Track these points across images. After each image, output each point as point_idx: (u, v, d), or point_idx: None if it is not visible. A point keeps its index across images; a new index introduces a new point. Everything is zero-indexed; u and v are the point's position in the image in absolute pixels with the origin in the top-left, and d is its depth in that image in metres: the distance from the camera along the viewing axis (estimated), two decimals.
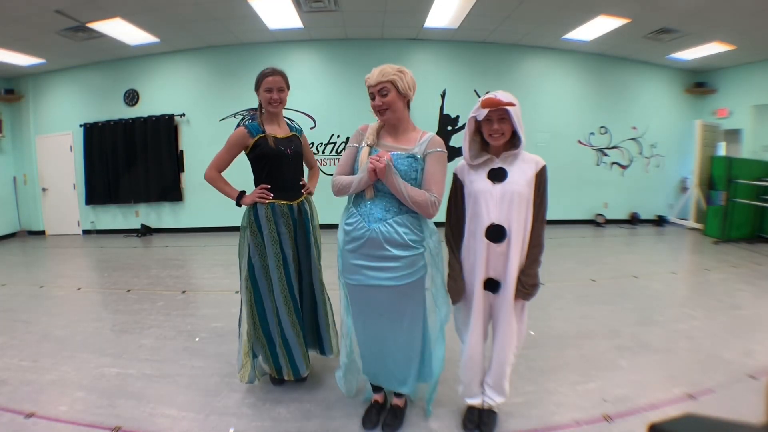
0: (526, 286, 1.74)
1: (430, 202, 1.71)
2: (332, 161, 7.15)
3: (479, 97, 2.13)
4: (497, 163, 1.74)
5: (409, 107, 1.82)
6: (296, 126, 2.41)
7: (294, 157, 2.24)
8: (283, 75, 2.17)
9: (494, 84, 7.22)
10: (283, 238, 2.17)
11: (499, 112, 1.64)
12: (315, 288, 2.35)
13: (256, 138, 2.17)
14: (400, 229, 1.74)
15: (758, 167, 6.36)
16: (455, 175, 1.87)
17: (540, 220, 1.74)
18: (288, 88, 2.21)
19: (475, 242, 1.78)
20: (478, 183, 1.75)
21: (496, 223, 1.71)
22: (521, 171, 1.70)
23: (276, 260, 2.14)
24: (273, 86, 2.14)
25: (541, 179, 1.71)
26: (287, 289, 2.16)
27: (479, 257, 1.76)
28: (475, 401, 1.98)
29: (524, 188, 1.68)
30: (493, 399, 1.95)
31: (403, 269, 1.76)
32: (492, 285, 1.79)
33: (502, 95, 1.63)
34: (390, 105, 1.74)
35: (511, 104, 1.61)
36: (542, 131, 7.42)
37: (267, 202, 2.16)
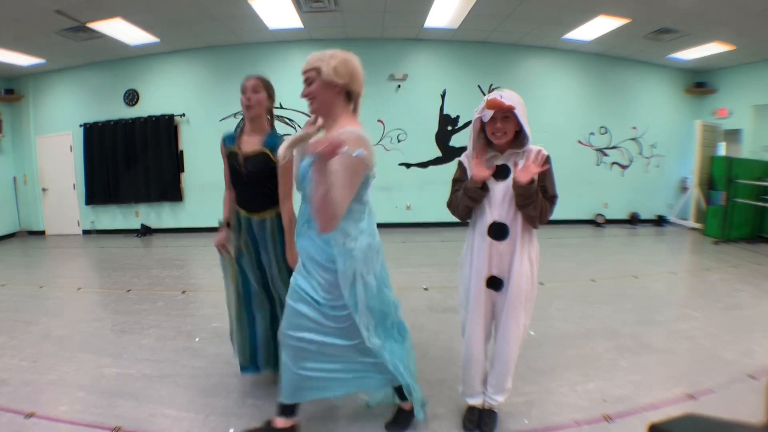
0: (518, 187, 1.64)
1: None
2: None
3: (484, 94, 2.14)
4: (501, 160, 1.74)
5: (350, 98, 1.64)
6: (278, 141, 1.95)
7: (251, 177, 2.03)
8: (260, 78, 2.05)
9: (494, 84, 7.24)
10: (244, 249, 2.17)
11: (502, 112, 1.64)
12: (273, 303, 2.24)
13: (230, 148, 2.10)
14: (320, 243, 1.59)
15: (758, 167, 6.36)
16: (460, 163, 1.86)
17: (548, 199, 1.71)
18: (267, 90, 2.05)
19: (477, 239, 1.77)
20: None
21: (499, 221, 1.71)
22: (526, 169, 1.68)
23: (232, 264, 2.20)
24: (247, 87, 2.00)
25: (548, 167, 1.70)
26: (240, 290, 2.20)
27: (482, 255, 1.76)
28: (476, 401, 1.98)
29: None
30: (494, 399, 1.94)
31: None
32: (495, 283, 1.78)
33: (507, 95, 1.63)
34: (314, 95, 1.55)
35: (512, 107, 1.62)
36: (542, 131, 7.40)
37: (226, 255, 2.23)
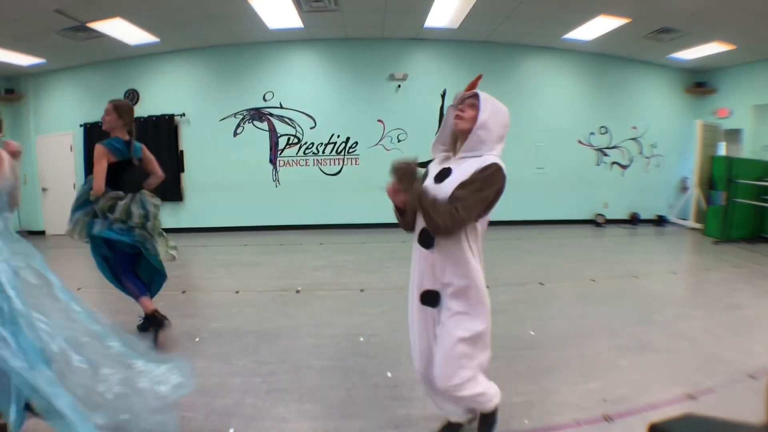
0: (397, 171, 1.52)
1: None
2: (332, 161, 7.14)
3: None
4: (447, 163, 1.59)
5: None
6: (112, 144, 2.73)
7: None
8: (111, 103, 2.75)
9: (494, 84, 7.23)
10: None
11: (471, 99, 1.55)
12: None
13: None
14: None
15: (758, 167, 6.36)
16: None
17: (463, 203, 1.43)
18: (116, 112, 2.73)
19: (413, 248, 1.66)
20: (426, 180, 1.61)
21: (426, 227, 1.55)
22: (465, 171, 1.49)
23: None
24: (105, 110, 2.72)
25: (482, 170, 1.46)
26: None
27: (414, 264, 1.65)
28: (453, 418, 1.87)
29: (457, 191, 1.47)
30: (463, 416, 1.83)
31: None
32: (430, 298, 1.61)
33: (485, 94, 1.56)
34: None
35: (476, 93, 1.54)
36: (542, 131, 7.43)
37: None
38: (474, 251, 1.55)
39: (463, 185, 1.47)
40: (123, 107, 2.77)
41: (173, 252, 3.17)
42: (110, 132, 2.75)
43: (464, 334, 1.54)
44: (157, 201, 2.94)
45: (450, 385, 1.57)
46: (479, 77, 1.58)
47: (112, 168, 2.66)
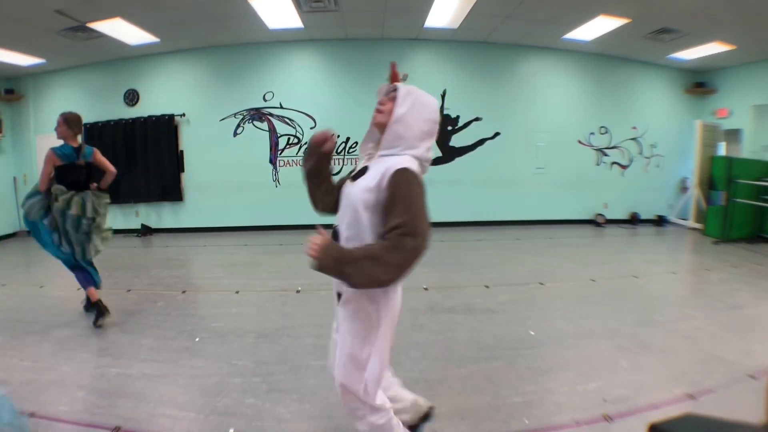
0: (315, 251, 1.24)
1: None
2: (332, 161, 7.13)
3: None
4: (369, 162, 1.47)
5: None
6: (61, 150, 3.23)
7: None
8: (61, 115, 3.23)
9: (494, 84, 7.25)
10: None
11: (394, 92, 1.45)
12: None
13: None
14: None
15: (758, 167, 6.36)
16: None
17: (388, 235, 1.22)
18: (66, 123, 3.21)
19: None
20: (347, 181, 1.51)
21: (336, 225, 1.47)
22: (374, 174, 1.36)
23: None
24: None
25: (391, 185, 1.29)
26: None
27: None
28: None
29: (363, 193, 1.35)
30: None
31: None
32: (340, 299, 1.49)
33: (408, 87, 1.44)
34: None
35: (397, 86, 1.44)
36: (542, 131, 7.43)
37: None
38: None
39: (387, 211, 1.27)
40: (71, 119, 3.27)
41: (106, 235, 3.55)
42: (63, 140, 3.25)
43: (354, 350, 1.43)
44: (105, 199, 3.44)
45: (347, 397, 1.47)
46: (393, 65, 1.48)
47: (60, 170, 3.21)
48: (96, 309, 3.27)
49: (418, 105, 1.41)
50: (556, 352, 2.73)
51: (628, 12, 5.41)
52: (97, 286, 3.46)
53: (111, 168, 3.49)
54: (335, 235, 1.45)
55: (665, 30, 5.91)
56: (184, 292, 4.10)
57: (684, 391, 2.25)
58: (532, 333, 3.00)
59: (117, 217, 7.52)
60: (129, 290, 4.15)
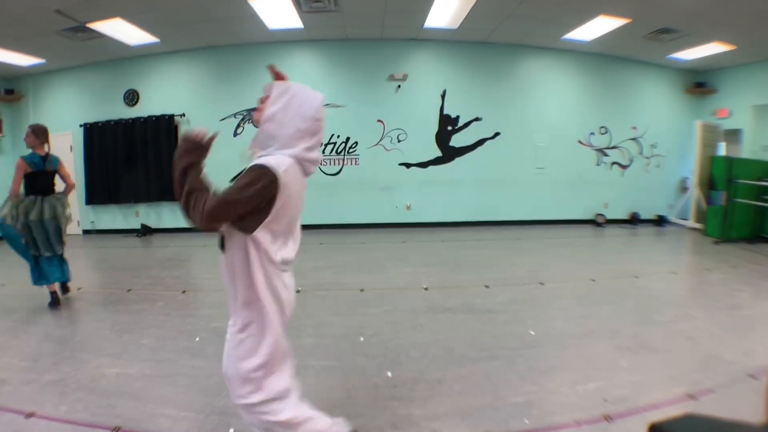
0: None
1: None
2: (332, 161, 7.13)
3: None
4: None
5: None
6: (30, 157, 3.54)
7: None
8: (30, 127, 3.54)
9: (494, 84, 7.25)
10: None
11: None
12: None
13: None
14: None
15: (758, 167, 6.36)
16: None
17: (215, 197, 1.30)
18: (34, 134, 3.52)
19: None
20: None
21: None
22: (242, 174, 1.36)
23: None
24: None
25: (245, 174, 1.32)
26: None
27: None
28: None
29: None
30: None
31: None
32: None
33: (285, 83, 1.41)
34: None
35: (275, 83, 1.40)
36: (542, 131, 7.44)
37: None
38: (255, 265, 1.39)
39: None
40: (39, 130, 3.55)
41: (68, 216, 3.85)
42: (32, 149, 3.53)
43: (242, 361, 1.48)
44: (63, 200, 3.74)
45: (237, 403, 1.51)
46: (271, 67, 1.44)
47: (29, 176, 3.51)
48: (52, 299, 3.68)
49: (295, 102, 1.37)
50: (556, 352, 2.73)
51: (628, 12, 5.41)
52: (65, 279, 3.89)
53: (71, 181, 3.87)
54: (221, 243, 1.49)
55: (665, 30, 5.92)
56: (184, 292, 4.10)
57: (684, 391, 2.25)
58: (532, 333, 3.00)
59: (117, 217, 7.53)
60: (129, 290, 4.15)
